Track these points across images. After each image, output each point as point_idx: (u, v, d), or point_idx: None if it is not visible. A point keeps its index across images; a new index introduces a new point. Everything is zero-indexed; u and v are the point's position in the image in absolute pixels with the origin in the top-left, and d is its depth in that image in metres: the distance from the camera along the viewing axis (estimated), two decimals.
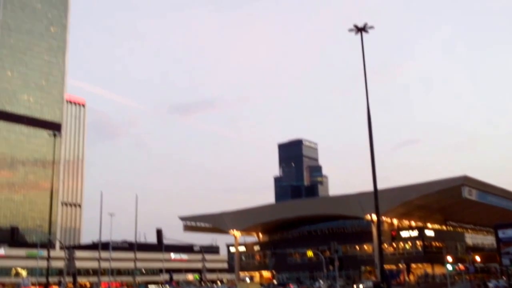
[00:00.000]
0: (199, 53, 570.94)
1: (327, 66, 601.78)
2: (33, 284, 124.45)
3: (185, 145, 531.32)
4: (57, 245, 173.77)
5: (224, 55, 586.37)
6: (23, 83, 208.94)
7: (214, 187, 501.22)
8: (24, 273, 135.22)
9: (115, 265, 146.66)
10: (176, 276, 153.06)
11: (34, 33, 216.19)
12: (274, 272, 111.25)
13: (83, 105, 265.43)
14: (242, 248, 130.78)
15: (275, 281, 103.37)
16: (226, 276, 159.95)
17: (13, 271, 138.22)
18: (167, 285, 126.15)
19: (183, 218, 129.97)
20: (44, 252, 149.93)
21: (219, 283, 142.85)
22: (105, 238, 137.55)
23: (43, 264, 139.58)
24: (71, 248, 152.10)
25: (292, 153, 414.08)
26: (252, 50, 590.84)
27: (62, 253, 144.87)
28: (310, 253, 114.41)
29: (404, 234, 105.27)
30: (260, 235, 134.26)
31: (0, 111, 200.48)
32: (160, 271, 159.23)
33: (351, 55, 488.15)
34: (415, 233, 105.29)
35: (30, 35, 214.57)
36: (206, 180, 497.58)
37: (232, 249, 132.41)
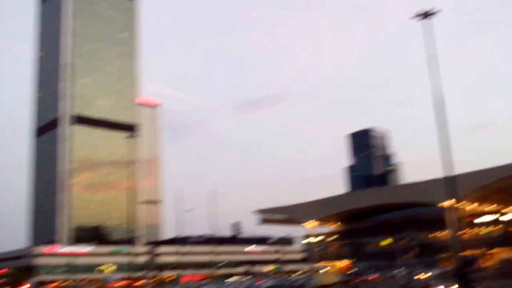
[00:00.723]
0: (268, 49, 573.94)
1: (394, 54, 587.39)
2: (119, 280, 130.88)
3: (256, 139, 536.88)
4: (141, 241, 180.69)
5: (291, 49, 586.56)
6: (99, 88, 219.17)
7: (286, 179, 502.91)
8: (109, 269, 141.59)
9: (196, 258, 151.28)
10: (253, 268, 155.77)
11: (106, 41, 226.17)
12: (351, 261, 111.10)
13: (158, 106, 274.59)
14: (317, 239, 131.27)
15: (352, 270, 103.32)
16: (301, 267, 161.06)
17: (100, 268, 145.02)
18: (248, 277, 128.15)
19: (259, 211, 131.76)
20: (128, 249, 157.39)
21: (296, 273, 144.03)
22: (186, 232, 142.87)
23: (127, 259, 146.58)
24: (153, 244, 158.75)
25: (363, 142, 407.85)
26: (319, 43, 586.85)
27: (144, 249, 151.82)
28: (386, 242, 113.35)
29: (482, 219, 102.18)
30: (336, 225, 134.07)
31: (80, 116, 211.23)
32: (238, 263, 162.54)
33: (416, 43, 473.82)
34: (493, 217, 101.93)
35: (102, 43, 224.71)
36: (278, 173, 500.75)
37: (308, 240, 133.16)
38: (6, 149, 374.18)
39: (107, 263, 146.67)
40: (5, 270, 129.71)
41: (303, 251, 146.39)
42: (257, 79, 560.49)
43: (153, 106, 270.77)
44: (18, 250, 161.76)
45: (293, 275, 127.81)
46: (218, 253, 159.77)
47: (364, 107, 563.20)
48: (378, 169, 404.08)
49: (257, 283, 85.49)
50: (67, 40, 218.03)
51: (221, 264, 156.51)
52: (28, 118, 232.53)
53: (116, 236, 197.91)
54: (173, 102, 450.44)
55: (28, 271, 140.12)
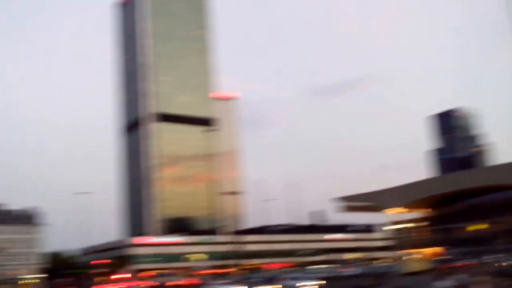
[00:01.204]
0: (340, 34, 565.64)
1: (473, 30, 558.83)
2: (208, 268, 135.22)
3: (333, 126, 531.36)
4: (225, 231, 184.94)
5: (365, 33, 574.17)
6: (178, 86, 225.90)
7: (366, 166, 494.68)
8: (198, 258, 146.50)
9: (278, 247, 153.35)
10: (335, 256, 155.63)
11: (183, 38, 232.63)
12: (443, 248, 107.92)
13: (235, 99, 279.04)
14: (402, 225, 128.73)
15: (443, 257, 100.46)
16: (385, 254, 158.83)
17: (188, 257, 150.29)
18: (332, 265, 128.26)
19: (340, 199, 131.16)
20: (213, 238, 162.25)
21: (379, 261, 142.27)
22: (267, 222, 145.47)
23: (214, 248, 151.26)
24: (238, 233, 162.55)
25: (449, 123, 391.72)
26: (393, 23, 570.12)
27: (230, 238, 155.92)
28: (477, 227, 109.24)
29: None
30: (422, 210, 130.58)
31: (162, 113, 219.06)
32: (320, 251, 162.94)
33: (494, 15, 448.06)
34: None
35: (179, 40, 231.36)
36: (357, 159, 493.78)
37: (392, 227, 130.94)
38: (97, 148, 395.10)
39: (195, 252, 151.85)
40: (101, 260, 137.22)
41: (386, 238, 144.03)
42: (333, 64, 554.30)
43: (231, 99, 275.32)
44: (115, 241, 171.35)
45: (376, 263, 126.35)
46: (302, 241, 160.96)
47: (445, 88, 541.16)
48: (465, 151, 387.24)
49: (341, 271, 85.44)
50: (146, 41, 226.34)
51: (303, 252, 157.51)
52: (116, 119, 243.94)
53: (202, 226, 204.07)
54: (249, 94, 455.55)
55: (124, 261, 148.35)
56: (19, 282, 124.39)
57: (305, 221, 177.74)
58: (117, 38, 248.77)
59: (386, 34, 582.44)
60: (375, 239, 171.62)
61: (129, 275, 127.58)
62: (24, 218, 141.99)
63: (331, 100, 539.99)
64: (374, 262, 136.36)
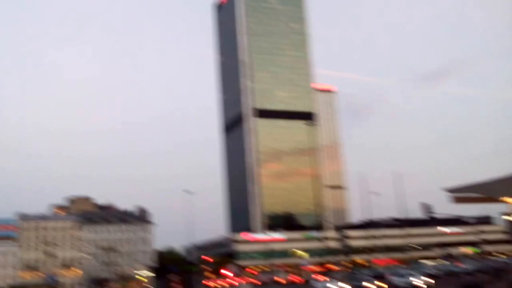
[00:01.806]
0: (443, 15, 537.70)
1: None
2: (313, 264, 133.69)
3: (440, 112, 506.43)
4: (328, 226, 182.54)
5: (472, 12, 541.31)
6: (276, 81, 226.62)
7: (474, 154, 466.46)
8: (302, 254, 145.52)
9: (385, 242, 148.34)
10: (447, 251, 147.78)
11: (278, 33, 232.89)
12: None
13: (334, 92, 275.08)
14: None
15: None
16: (502, 248, 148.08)
17: (292, 253, 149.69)
18: (446, 260, 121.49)
19: (450, 190, 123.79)
20: (317, 234, 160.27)
21: (500, 255, 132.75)
22: (372, 216, 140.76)
23: (318, 245, 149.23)
24: (342, 229, 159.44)
25: None
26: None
27: (334, 234, 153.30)
28: None
29: None
30: None
31: (261, 109, 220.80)
32: (432, 246, 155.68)
33: None
34: None
35: (274, 36, 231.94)
36: (466, 147, 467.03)
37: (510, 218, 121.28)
38: (200, 147, 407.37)
39: (299, 248, 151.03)
40: (207, 257, 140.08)
41: (504, 231, 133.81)
42: (437, 47, 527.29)
43: (329, 92, 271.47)
44: (220, 238, 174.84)
45: (495, 257, 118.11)
46: (409, 236, 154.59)
47: None
48: None
49: (453, 267, 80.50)
50: (243, 39, 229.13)
51: (413, 247, 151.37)
52: (217, 116, 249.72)
53: (305, 222, 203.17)
54: (348, 85, 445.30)
55: (229, 257, 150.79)
56: (131, 279, 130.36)
57: (411, 214, 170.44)
58: (216, 38, 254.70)
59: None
60: (494, 232, 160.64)
61: (235, 272, 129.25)
62: (134, 217, 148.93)
63: (436, 84, 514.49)
64: (490, 256, 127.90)
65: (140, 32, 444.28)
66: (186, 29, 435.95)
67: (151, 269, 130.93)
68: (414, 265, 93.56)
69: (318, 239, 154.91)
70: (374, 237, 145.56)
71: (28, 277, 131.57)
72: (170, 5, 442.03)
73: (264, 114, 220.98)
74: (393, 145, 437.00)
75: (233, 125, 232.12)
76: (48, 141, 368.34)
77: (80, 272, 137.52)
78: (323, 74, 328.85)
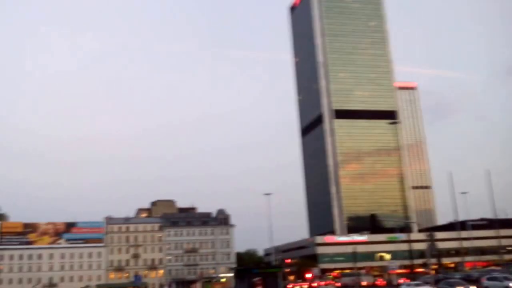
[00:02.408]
0: None
1: None
2: (399, 268, 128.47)
3: None
4: (414, 228, 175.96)
5: None
6: (355, 80, 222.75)
7: None
8: (387, 257, 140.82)
9: (476, 244, 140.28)
10: None
11: (356, 32, 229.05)
12: None
13: (415, 89, 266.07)
14: None
15: None
16: None
17: (377, 256, 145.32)
18: None
19: None
20: (403, 236, 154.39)
21: None
22: (460, 217, 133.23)
23: (403, 247, 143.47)
24: (430, 230, 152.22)
25: None
26: None
27: (420, 236, 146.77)
28: None
29: None
30: None
31: (341, 110, 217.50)
32: None
33: None
34: None
35: (352, 35, 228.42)
36: None
37: None
38: (280, 150, 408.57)
39: (382, 250, 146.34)
40: (290, 260, 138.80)
41: None
42: None
43: (410, 89, 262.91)
44: (300, 241, 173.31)
45: None
46: (502, 237, 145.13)
47: None
48: None
49: None
50: (319, 40, 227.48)
51: (508, 249, 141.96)
52: (295, 119, 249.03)
53: (388, 223, 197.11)
54: (429, 81, 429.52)
55: (311, 260, 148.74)
56: (214, 281, 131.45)
57: (502, 214, 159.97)
58: (292, 40, 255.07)
59: None
60: None
61: (317, 275, 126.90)
62: (214, 220, 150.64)
63: None
64: None
65: (215, 34, 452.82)
66: (263, 31, 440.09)
67: (232, 270, 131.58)
68: (510, 268, 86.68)
69: (403, 241, 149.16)
70: (464, 238, 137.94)
71: (115, 277, 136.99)
72: (246, 6, 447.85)
73: (343, 114, 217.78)
74: (480, 143, 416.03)
75: (311, 126, 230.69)
76: (133, 146, 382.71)
77: (163, 273, 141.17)
78: (404, 71, 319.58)
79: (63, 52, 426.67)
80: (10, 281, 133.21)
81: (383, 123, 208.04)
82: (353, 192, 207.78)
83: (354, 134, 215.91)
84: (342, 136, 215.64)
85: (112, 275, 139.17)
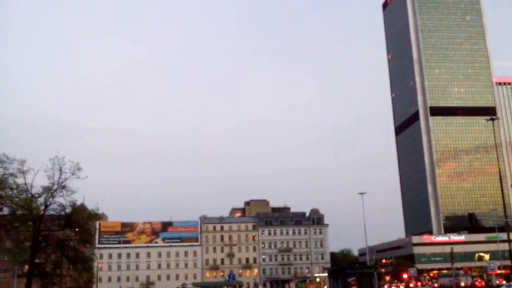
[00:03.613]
0: None
1: None
2: (499, 268, 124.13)
3: None
4: None
5: None
6: (451, 76, 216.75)
7: None
8: (486, 257, 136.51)
9: None
10: None
11: (451, 27, 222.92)
12: None
13: None
14: None
15: None
16: None
17: (475, 256, 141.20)
18: None
19: None
20: (502, 235, 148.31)
21: None
22: None
23: (503, 247, 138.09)
24: None
25: None
26: None
27: None
28: None
29: None
30: None
31: (437, 107, 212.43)
32: None
33: None
34: None
35: (447, 31, 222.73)
36: None
37: None
38: (375, 149, 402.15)
39: (481, 250, 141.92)
40: (385, 260, 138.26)
41: None
42: None
43: (509, 85, 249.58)
44: (396, 240, 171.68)
45: None
46: None
47: None
48: None
49: None
50: (414, 36, 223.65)
51: None
52: (390, 117, 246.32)
53: (487, 223, 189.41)
54: None
55: (407, 260, 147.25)
56: (308, 280, 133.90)
57: None
58: (386, 37, 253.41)
59: None
60: None
61: (414, 275, 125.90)
62: (308, 219, 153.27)
63: None
64: None
65: (308, 31, 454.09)
66: (356, 28, 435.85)
67: (326, 270, 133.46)
68: None
69: (503, 241, 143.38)
70: None
71: (211, 276, 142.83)
72: (339, 4, 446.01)
73: (439, 111, 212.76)
74: None
75: (406, 124, 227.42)
76: (226, 144, 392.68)
77: (258, 272, 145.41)
78: (502, 66, 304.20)
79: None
80: (109, 279, 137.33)
81: (481, 119, 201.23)
82: (450, 191, 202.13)
83: (450, 132, 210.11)
84: (438, 133, 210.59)
85: (208, 274, 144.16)
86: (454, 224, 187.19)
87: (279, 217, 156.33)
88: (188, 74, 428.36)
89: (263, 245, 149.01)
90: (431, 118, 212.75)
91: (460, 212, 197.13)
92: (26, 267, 44.58)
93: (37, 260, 41.94)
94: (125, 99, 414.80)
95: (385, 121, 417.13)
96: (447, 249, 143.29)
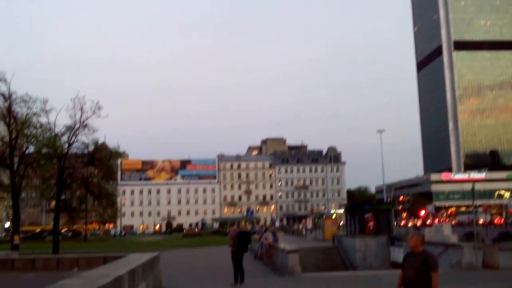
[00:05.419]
0: None
1: None
2: None
3: None
4: None
5: None
6: (478, 8, 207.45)
7: None
8: (506, 195, 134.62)
9: None
10: None
11: None
12: None
13: None
14: None
15: None
16: None
17: (495, 194, 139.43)
18: None
19: None
20: None
21: None
22: None
23: None
24: None
25: None
26: None
27: None
28: None
29: None
30: None
31: (461, 41, 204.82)
32: None
33: None
34: None
35: None
36: None
37: None
38: (395, 86, 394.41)
39: (501, 188, 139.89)
40: (402, 198, 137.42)
41: None
42: None
43: None
44: (414, 178, 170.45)
45: None
46: None
47: None
48: None
49: None
50: None
51: None
52: (411, 53, 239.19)
53: (509, 160, 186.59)
54: None
55: (425, 198, 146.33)
56: (324, 216, 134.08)
57: None
58: None
59: None
60: None
61: (432, 213, 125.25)
62: (325, 157, 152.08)
63: None
64: None
65: None
66: None
67: (343, 207, 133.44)
68: None
69: None
70: None
71: (229, 212, 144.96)
72: None
73: (463, 45, 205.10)
74: None
75: (429, 59, 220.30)
76: (244, 85, 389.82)
77: (274, 208, 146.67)
78: None
79: None
80: (132, 214, 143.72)
81: (507, 54, 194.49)
82: (472, 128, 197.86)
83: (475, 67, 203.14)
84: (462, 69, 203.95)
85: (226, 210, 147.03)
86: (474, 162, 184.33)
87: (296, 155, 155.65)
88: (205, 13, 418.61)
89: (279, 183, 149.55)
90: (454, 53, 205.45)
91: (481, 149, 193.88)
92: (53, 202, 46.85)
93: (63, 196, 43.57)
94: (142, 35, 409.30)
95: (406, 57, 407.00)
96: (466, 186, 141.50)
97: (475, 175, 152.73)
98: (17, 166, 39.09)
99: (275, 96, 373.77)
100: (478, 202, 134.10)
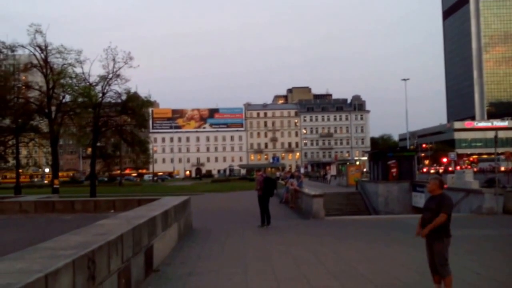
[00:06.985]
0: None
1: None
2: None
3: None
4: None
5: None
6: None
7: None
8: None
9: None
10: None
11: None
12: None
13: None
14: None
15: None
16: None
17: None
18: None
19: None
20: None
21: None
22: None
23: None
24: None
25: None
26: None
27: None
28: None
29: None
30: None
31: None
32: None
33: None
34: None
35: None
36: None
37: None
38: (421, 35, 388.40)
39: None
40: (425, 145, 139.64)
41: None
42: None
43: None
44: (437, 126, 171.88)
45: None
46: None
47: None
48: None
49: None
50: None
51: None
52: (438, 1, 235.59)
53: None
54: None
55: (447, 145, 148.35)
56: (348, 163, 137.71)
57: None
58: None
59: None
60: None
61: (454, 160, 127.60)
62: (349, 105, 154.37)
63: None
64: None
65: None
66: None
67: (367, 154, 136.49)
68: None
69: None
70: None
71: (255, 159, 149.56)
72: None
73: None
74: None
75: (455, 7, 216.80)
76: (266, 36, 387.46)
77: (299, 155, 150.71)
78: None
79: None
80: (163, 161, 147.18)
81: None
82: (497, 77, 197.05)
83: (502, 15, 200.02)
84: (489, 17, 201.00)
85: (252, 157, 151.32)
86: (497, 111, 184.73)
87: (321, 103, 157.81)
88: None
89: (305, 131, 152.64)
90: (481, 0, 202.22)
91: (506, 98, 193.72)
92: (90, 149, 48.86)
93: (98, 144, 45.42)
94: None
95: (432, 5, 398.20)
96: (488, 134, 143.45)
97: (498, 123, 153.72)
98: (55, 115, 41.09)
99: (297, 44, 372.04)
100: (500, 149, 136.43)
